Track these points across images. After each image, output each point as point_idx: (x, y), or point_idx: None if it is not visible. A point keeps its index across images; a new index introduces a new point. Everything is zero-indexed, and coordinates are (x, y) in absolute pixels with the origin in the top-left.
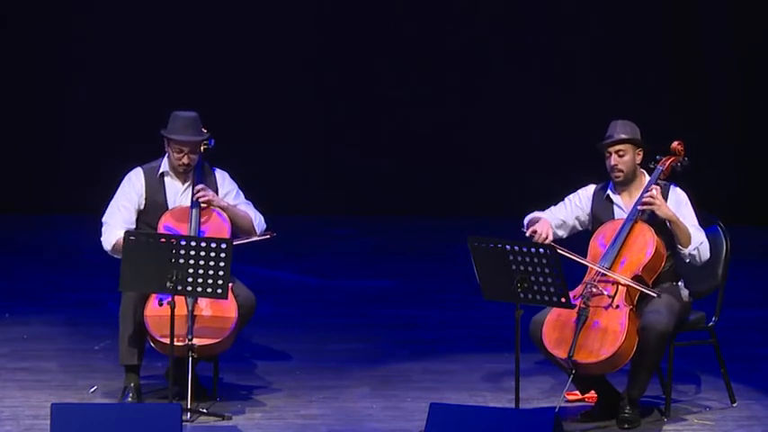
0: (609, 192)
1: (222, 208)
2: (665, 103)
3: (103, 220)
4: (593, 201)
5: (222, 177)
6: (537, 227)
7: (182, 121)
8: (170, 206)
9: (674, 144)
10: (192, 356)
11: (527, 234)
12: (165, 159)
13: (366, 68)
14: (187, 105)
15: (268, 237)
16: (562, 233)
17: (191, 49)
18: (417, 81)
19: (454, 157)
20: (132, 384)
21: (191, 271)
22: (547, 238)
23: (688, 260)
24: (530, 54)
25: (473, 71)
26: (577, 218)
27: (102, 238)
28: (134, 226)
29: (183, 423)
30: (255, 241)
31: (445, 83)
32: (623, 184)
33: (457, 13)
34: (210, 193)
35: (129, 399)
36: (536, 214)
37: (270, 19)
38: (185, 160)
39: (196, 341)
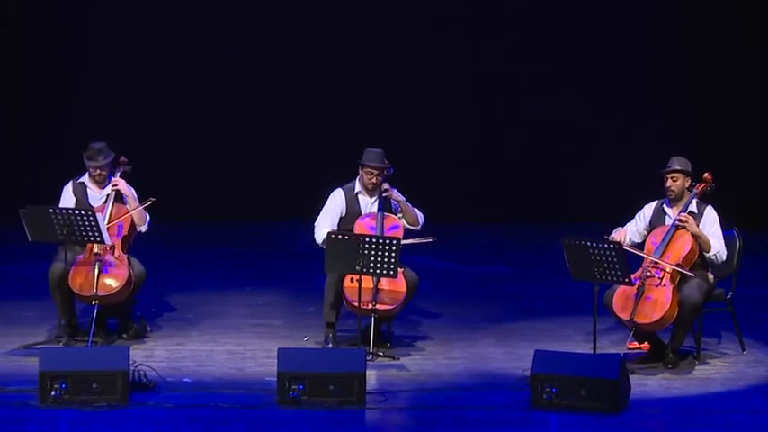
0: (664, 205)
1: (399, 201)
2: (691, 135)
3: (316, 223)
4: (653, 211)
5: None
6: (615, 234)
7: (373, 153)
8: (362, 213)
9: (705, 174)
10: (375, 317)
11: (609, 238)
12: (358, 181)
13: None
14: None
15: (429, 241)
16: (636, 240)
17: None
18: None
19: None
20: (330, 335)
21: (372, 258)
22: (620, 241)
23: (709, 260)
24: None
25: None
26: (638, 230)
27: (315, 235)
28: (336, 227)
29: (367, 361)
30: (417, 244)
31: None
32: (674, 201)
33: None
34: (394, 192)
35: (330, 345)
36: (619, 228)
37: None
38: (374, 180)
39: (379, 306)
